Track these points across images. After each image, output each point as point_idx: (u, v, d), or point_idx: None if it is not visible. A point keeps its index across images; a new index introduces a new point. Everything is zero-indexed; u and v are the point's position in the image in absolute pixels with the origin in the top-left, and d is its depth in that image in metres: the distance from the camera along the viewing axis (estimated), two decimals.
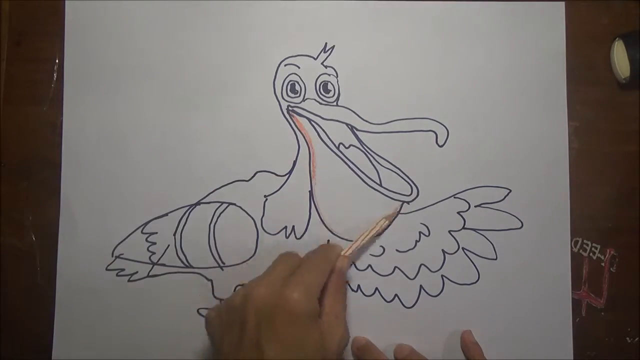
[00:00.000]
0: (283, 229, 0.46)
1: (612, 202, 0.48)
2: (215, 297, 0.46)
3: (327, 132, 0.47)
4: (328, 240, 0.47)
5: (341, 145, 0.47)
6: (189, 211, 0.46)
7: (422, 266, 0.47)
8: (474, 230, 0.47)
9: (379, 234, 0.46)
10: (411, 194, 0.47)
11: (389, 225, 0.46)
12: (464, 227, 0.47)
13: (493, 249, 0.47)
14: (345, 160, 0.47)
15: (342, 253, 0.44)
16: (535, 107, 0.47)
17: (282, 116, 0.47)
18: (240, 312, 0.38)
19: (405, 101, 0.47)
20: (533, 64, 0.47)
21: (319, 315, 0.39)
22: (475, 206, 0.47)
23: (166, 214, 0.46)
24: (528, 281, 0.47)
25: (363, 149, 0.47)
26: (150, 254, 0.46)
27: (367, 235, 0.45)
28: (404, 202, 0.47)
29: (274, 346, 0.36)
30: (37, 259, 0.47)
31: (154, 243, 0.46)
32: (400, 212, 0.47)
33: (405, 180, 0.47)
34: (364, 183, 0.47)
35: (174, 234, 0.46)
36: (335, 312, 0.40)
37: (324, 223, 0.47)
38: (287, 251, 0.43)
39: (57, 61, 0.47)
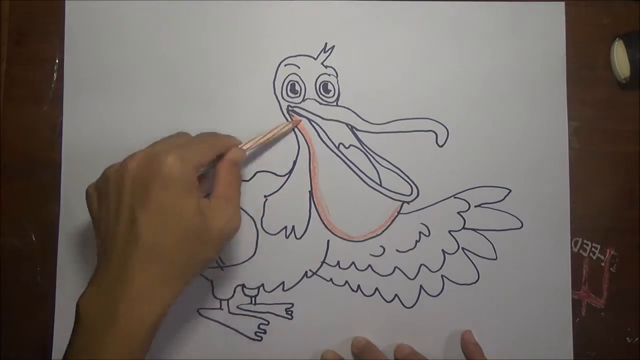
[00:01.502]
0: (283, 229, 0.46)
1: (612, 202, 0.48)
2: (215, 297, 0.46)
3: (327, 132, 0.47)
4: (328, 241, 0.46)
5: (341, 145, 0.47)
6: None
7: (422, 266, 0.47)
8: (474, 230, 0.47)
9: (278, 136, 0.46)
10: (411, 194, 0.47)
11: (291, 130, 0.46)
12: (464, 227, 0.47)
13: (493, 249, 0.47)
14: (345, 160, 0.47)
15: (243, 147, 0.43)
16: (535, 107, 0.47)
17: (282, 116, 0.47)
18: (115, 180, 0.37)
19: (405, 101, 0.47)
20: (533, 64, 0.47)
21: (203, 194, 0.38)
22: (475, 206, 0.47)
23: None
24: (528, 281, 0.47)
25: (363, 149, 0.47)
26: None
27: (268, 134, 0.45)
28: (404, 202, 0.47)
29: (147, 212, 0.35)
30: (37, 259, 0.47)
31: None
32: (401, 212, 0.47)
33: (405, 180, 0.47)
34: (364, 183, 0.47)
35: None
36: (225, 195, 0.39)
37: (324, 223, 0.47)
38: (180, 131, 0.42)
39: (57, 61, 0.47)
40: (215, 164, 0.41)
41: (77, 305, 0.36)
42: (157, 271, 0.35)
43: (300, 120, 0.46)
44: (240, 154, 0.42)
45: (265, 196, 0.46)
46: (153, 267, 0.35)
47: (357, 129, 0.47)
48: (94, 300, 0.35)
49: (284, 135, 0.46)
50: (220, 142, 0.41)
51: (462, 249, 0.47)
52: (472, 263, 0.47)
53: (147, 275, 0.35)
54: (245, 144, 0.43)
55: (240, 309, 0.47)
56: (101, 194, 0.38)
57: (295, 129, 0.47)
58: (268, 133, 0.45)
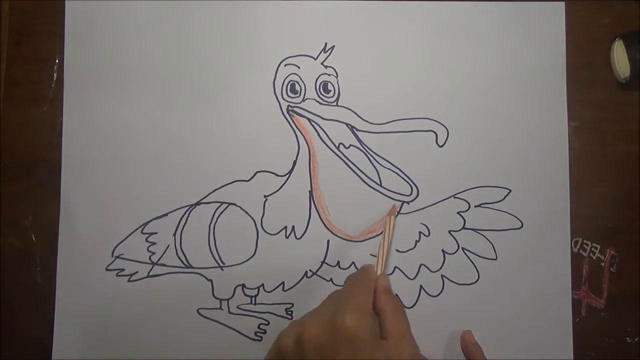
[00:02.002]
0: (283, 229, 0.46)
1: (612, 202, 0.48)
2: (215, 297, 0.46)
3: (327, 132, 0.47)
4: (328, 241, 0.46)
5: (341, 145, 0.47)
6: (189, 211, 0.46)
7: (422, 266, 0.47)
8: (474, 230, 0.47)
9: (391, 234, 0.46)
10: (411, 194, 0.47)
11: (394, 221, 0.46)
12: (464, 227, 0.47)
13: (493, 249, 0.47)
14: (345, 160, 0.47)
15: (378, 272, 0.43)
16: (535, 107, 0.47)
17: (282, 116, 0.47)
18: (297, 355, 0.35)
19: (405, 101, 0.47)
20: (533, 64, 0.47)
21: (382, 337, 0.37)
22: (475, 206, 0.47)
23: (166, 214, 0.46)
24: (528, 281, 0.47)
25: (363, 149, 0.47)
26: (150, 254, 0.46)
27: (386, 241, 0.45)
28: (404, 202, 0.47)
29: None
30: (37, 259, 0.47)
31: (154, 243, 0.46)
32: (401, 212, 0.47)
33: (405, 180, 0.47)
34: (364, 183, 0.47)
35: (174, 234, 0.46)
36: (400, 331, 0.38)
37: (324, 223, 0.47)
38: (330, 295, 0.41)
39: (57, 61, 0.47)
40: None
41: None
42: None
43: (397, 210, 0.46)
44: (387, 282, 0.41)
45: (265, 196, 0.47)
46: None
47: (357, 129, 0.47)
48: None
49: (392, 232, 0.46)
50: (368, 278, 0.41)
51: (462, 249, 0.47)
52: (472, 263, 0.47)
53: None
54: (379, 267, 0.43)
55: (240, 309, 0.47)
56: None
57: (295, 129, 0.47)
58: (384, 240, 0.45)
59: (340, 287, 0.46)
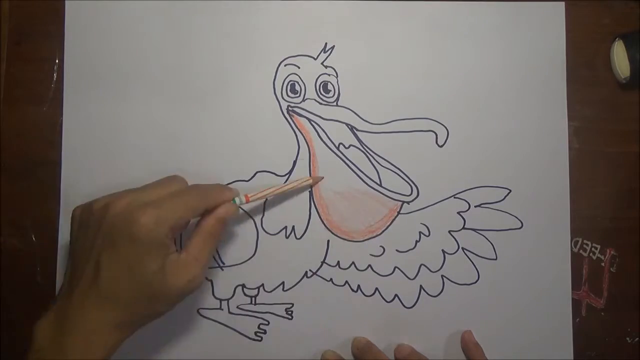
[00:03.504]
0: (283, 229, 0.46)
1: (612, 202, 0.48)
2: (215, 297, 0.46)
3: (327, 132, 0.47)
4: (328, 241, 0.46)
5: (341, 145, 0.47)
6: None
7: (422, 266, 0.47)
8: (474, 230, 0.47)
9: (292, 191, 0.46)
10: (411, 194, 0.47)
11: (308, 187, 0.46)
12: (464, 227, 0.47)
13: (493, 249, 0.47)
14: (345, 160, 0.47)
15: (239, 199, 0.41)
16: (535, 107, 0.47)
17: (282, 116, 0.47)
18: (97, 218, 0.38)
19: (405, 101, 0.47)
20: (533, 64, 0.47)
21: (177, 250, 0.38)
22: (475, 206, 0.47)
23: None
24: (528, 281, 0.47)
25: (363, 149, 0.47)
26: None
27: (279, 189, 0.44)
28: (404, 202, 0.47)
29: (111, 265, 0.36)
30: (37, 259, 0.47)
31: None
32: (401, 212, 0.47)
33: (405, 180, 0.47)
34: (364, 183, 0.47)
35: None
36: (196, 254, 0.39)
37: (324, 223, 0.47)
38: (174, 175, 0.42)
39: (57, 61, 0.47)
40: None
41: (34, 328, 0.37)
42: (110, 316, 0.37)
43: (322, 179, 0.46)
44: (230, 210, 0.41)
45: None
46: (107, 312, 0.37)
47: (357, 129, 0.47)
48: (48, 327, 0.37)
49: (299, 190, 0.46)
50: (209, 198, 0.40)
51: (462, 249, 0.47)
52: (472, 263, 0.47)
53: (101, 319, 0.36)
54: (254, 194, 0.43)
55: (240, 309, 0.47)
56: (82, 224, 0.39)
57: (295, 129, 0.47)
58: (283, 186, 0.45)
59: (340, 288, 0.46)
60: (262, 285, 0.47)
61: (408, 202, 0.47)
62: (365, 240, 0.47)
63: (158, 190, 0.39)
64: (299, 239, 0.47)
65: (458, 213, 0.47)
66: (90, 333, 0.36)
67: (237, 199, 0.41)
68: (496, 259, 0.47)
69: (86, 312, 0.36)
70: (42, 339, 0.37)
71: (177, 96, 0.47)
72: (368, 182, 0.47)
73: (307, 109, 0.47)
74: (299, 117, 0.47)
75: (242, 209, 0.46)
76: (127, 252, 0.36)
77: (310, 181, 0.46)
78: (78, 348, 0.36)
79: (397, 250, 0.47)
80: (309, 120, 0.47)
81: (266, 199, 0.46)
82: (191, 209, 0.39)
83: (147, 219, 0.36)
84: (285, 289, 0.47)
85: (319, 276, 0.47)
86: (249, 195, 0.42)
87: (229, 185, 0.46)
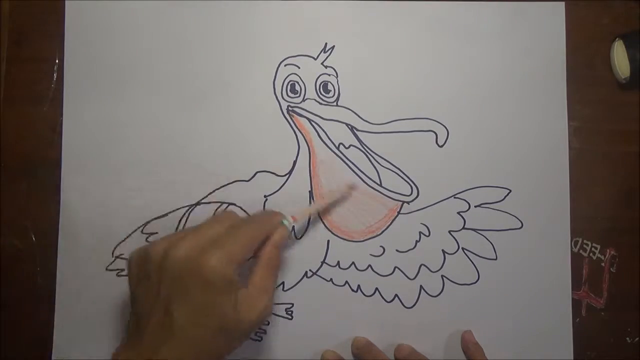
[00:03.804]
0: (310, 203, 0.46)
1: (612, 202, 0.48)
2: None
3: (327, 132, 0.47)
4: (328, 241, 0.46)
5: (341, 145, 0.47)
6: (189, 211, 0.46)
7: (422, 266, 0.47)
8: (474, 230, 0.47)
9: (333, 204, 0.46)
10: (411, 194, 0.47)
11: (345, 196, 0.46)
12: (464, 227, 0.47)
13: (493, 249, 0.47)
14: (345, 160, 0.47)
15: (287, 221, 0.41)
16: (535, 107, 0.47)
17: (282, 116, 0.47)
18: (156, 267, 0.37)
19: (405, 101, 0.47)
20: (533, 64, 0.47)
21: (243, 285, 0.38)
22: (475, 206, 0.47)
23: (166, 214, 0.46)
24: (528, 281, 0.47)
25: (363, 149, 0.47)
26: None
27: (323, 202, 0.45)
28: (404, 202, 0.47)
29: (183, 311, 0.36)
30: (37, 259, 0.47)
31: None
32: (401, 212, 0.47)
33: (405, 180, 0.47)
34: (364, 183, 0.47)
35: None
36: (262, 285, 0.39)
37: (323, 223, 0.47)
38: (228, 211, 0.41)
39: (57, 61, 0.47)
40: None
41: None
42: (187, 358, 0.36)
43: (356, 187, 0.46)
44: (283, 234, 0.41)
45: (265, 196, 0.46)
46: (184, 355, 0.36)
47: (357, 129, 0.47)
48: None
49: (338, 202, 0.46)
50: (264, 227, 0.40)
51: (462, 249, 0.47)
52: (472, 263, 0.47)
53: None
54: (300, 214, 0.42)
55: None
56: (142, 271, 0.38)
57: (295, 129, 0.47)
58: (326, 200, 0.45)
59: (340, 288, 0.46)
60: None
61: (408, 202, 0.47)
62: (365, 240, 0.47)
63: (214, 229, 0.38)
64: (299, 239, 0.47)
65: (458, 213, 0.47)
66: None
67: (286, 222, 0.41)
68: (496, 259, 0.47)
69: (162, 354, 0.36)
70: None
71: (177, 96, 0.47)
72: (368, 182, 0.47)
73: (307, 109, 0.47)
74: (299, 117, 0.47)
75: (242, 209, 0.46)
76: (200, 297, 0.36)
77: (348, 190, 0.46)
78: None
79: (397, 250, 0.47)
80: (309, 120, 0.47)
81: (266, 199, 0.46)
82: (252, 241, 0.39)
83: (215, 261, 0.36)
84: (285, 289, 0.47)
85: (319, 276, 0.47)
86: (295, 216, 0.42)
87: (227, 185, 0.46)
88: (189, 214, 0.46)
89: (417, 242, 0.47)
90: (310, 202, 0.46)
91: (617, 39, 0.47)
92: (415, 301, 0.47)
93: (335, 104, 0.47)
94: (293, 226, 0.42)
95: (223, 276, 0.36)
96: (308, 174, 0.47)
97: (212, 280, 0.36)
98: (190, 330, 0.36)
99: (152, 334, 0.36)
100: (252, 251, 0.39)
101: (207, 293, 0.36)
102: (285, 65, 0.47)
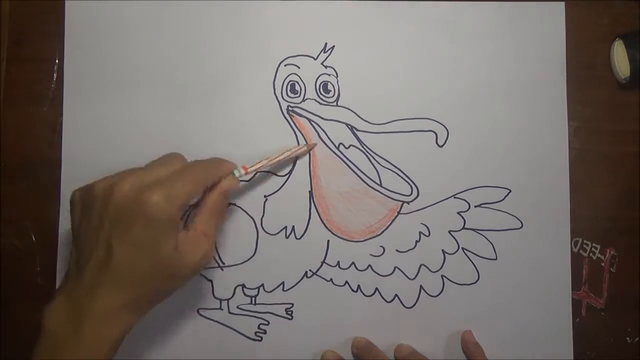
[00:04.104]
0: (283, 229, 0.46)
1: (612, 202, 0.48)
2: (215, 297, 0.46)
3: (327, 132, 0.47)
4: (328, 241, 0.46)
5: (341, 145, 0.47)
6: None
7: (422, 266, 0.47)
8: (474, 230, 0.47)
9: (287, 159, 0.45)
10: (411, 194, 0.47)
11: (306, 152, 0.46)
12: (464, 227, 0.47)
13: (493, 249, 0.47)
14: (345, 160, 0.47)
15: (238, 172, 0.42)
16: (535, 107, 0.47)
17: (282, 116, 0.47)
18: (100, 203, 0.37)
19: (405, 101, 0.47)
20: (533, 64, 0.47)
21: (185, 228, 0.38)
22: (475, 206, 0.47)
23: None
24: (528, 281, 0.47)
25: (363, 149, 0.47)
26: None
27: (277, 158, 0.44)
28: (404, 202, 0.47)
29: (123, 247, 0.36)
30: (37, 259, 0.47)
31: None
32: (401, 212, 0.47)
33: (405, 180, 0.47)
34: (364, 183, 0.47)
35: None
36: (204, 230, 0.39)
37: (324, 223, 0.47)
38: (173, 152, 0.41)
39: (57, 61, 0.47)
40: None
41: (43, 315, 0.37)
42: (125, 297, 0.37)
43: (315, 145, 0.46)
44: (231, 184, 0.41)
45: (265, 196, 0.46)
46: (121, 294, 0.36)
47: (357, 129, 0.47)
48: (61, 312, 0.37)
49: (293, 158, 0.46)
50: (212, 172, 0.40)
51: (462, 249, 0.47)
52: (472, 263, 0.47)
53: (115, 300, 0.36)
54: (251, 166, 0.43)
55: (240, 309, 0.47)
56: (85, 207, 0.38)
57: (295, 129, 0.47)
58: (279, 155, 0.44)
59: (340, 288, 0.46)
60: (262, 285, 0.47)
61: (408, 202, 0.47)
62: (365, 240, 0.47)
63: (162, 169, 0.39)
64: (299, 239, 0.47)
65: (458, 213, 0.47)
66: (104, 314, 0.36)
67: (236, 172, 0.41)
68: (496, 259, 0.47)
69: (99, 294, 0.36)
70: (54, 324, 0.36)
71: (177, 96, 0.47)
72: (368, 182, 0.47)
73: (307, 109, 0.47)
74: (299, 117, 0.47)
75: (242, 209, 0.46)
76: (140, 233, 0.36)
77: (305, 148, 0.46)
78: (93, 330, 0.36)
79: (397, 250, 0.47)
80: (309, 120, 0.47)
81: (266, 199, 0.46)
82: (198, 184, 0.39)
83: (158, 198, 0.36)
84: (285, 289, 0.47)
85: (319, 276, 0.47)
86: (247, 167, 0.42)
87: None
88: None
89: (417, 242, 0.47)
90: (310, 203, 0.46)
91: (617, 39, 0.47)
92: (415, 301, 0.47)
93: (335, 104, 0.47)
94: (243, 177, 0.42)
95: (165, 214, 0.36)
96: (308, 174, 0.47)
97: (153, 217, 0.36)
98: (128, 266, 0.36)
99: (91, 270, 0.37)
100: (198, 194, 0.39)
101: (147, 230, 0.36)
102: (285, 65, 0.47)
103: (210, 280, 0.46)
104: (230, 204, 0.46)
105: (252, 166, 0.43)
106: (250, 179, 0.47)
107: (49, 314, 0.37)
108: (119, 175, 0.38)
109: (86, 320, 0.36)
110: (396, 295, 0.47)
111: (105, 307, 0.36)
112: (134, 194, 0.37)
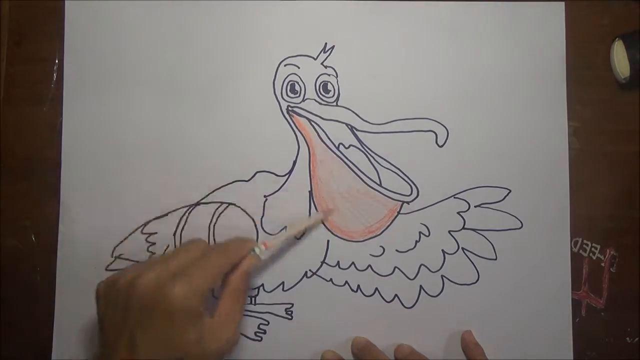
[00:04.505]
0: (283, 229, 0.46)
1: (612, 202, 0.48)
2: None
3: (327, 132, 0.47)
4: (328, 241, 0.46)
5: (341, 146, 0.47)
6: (188, 211, 0.46)
7: (422, 266, 0.47)
8: (474, 230, 0.47)
9: (308, 228, 0.46)
10: (411, 194, 0.47)
11: (319, 223, 0.46)
12: (464, 227, 0.47)
13: (493, 249, 0.47)
14: (345, 160, 0.47)
15: (259, 249, 0.41)
16: (535, 108, 0.47)
17: (282, 116, 0.47)
18: (123, 297, 0.37)
19: (405, 101, 0.47)
20: (533, 64, 0.47)
21: (209, 314, 0.38)
22: (475, 206, 0.47)
23: (166, 214, 0.46)
24: (528, 281, 0.47)
25: (363, 149, 0.47)
26: (150, 254, 0.46)
27: (294, 230, 0.44)
28: (403, 202, 0.47)
29: (146, 341, 0.36)
30: (37, 259, 0.47)
31: (154, 243, 0.46)
32: (401, 212, 0.47)
33: (405, 180, 0.47)
34: (364, 183, 0.47)
35: (174, 234, 0.46)
36: (227, 313, 0.39)
37: (324, 223, 0.47)
38: (195, 238, 0.41)
39: (57, 61, 0.47)
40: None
41: None
42: None
43: (332, 212, 0.46)
44: (252, 263, 0.41)
45: (265, 196, 0.47)
46: None
47: (357, 129, 0.47)
48: None
49: (311, 228, 0.46)
50: (232, 257, 0.40)
51: (462, 249, 0.47)
52: (472, 263, 0.47)
53: None
54: (271, 241, 0.43)
55: None
56: (109, 300, 0.38)
57: (295, 129, 0.47)
58: (298, 225, 0.45)
59: (340, 288, 0.46)
60: (262, 285, 0.47)
61: (408, 202, 0.47)
62: (365, 240, 0.47)
63: (181, 258, 0.38)
64: (298, 239, 0.47)
65: (458, 213, 0.47)
66: None
67: (257, 249, 0.41)
68: (496, 259, 0.47)
69: None
70: None
71: (177, 96, 0.47)
72: (368, 182, 0.47)
73: (307, 109, 0.47)
74: (298, 117, 0.47)
75: (242, 209, 0.46)
76: (163, 327, 0.36)
77: (321, 215, 0.46)
78: None
79: (397, 250, 0.47)
80: (309, 120, 0.47)
81: (266, 199, 0.46)
82: (219, 272, 0.39)
83: (178, 291, 0.36)
84: (285, 289, 0.47)
85: (319, 276, 0.47)
86: (267, 243, 0.42)
87: (227, 185, 0.46)
88: (189, 214, 0.46)
89: (417, 242, 0.47)
90: (310, 203, 0.46)
91: (617, 39, 0.47)
92: (415, 301, 0.47)
93: (335, 104, 0.47)
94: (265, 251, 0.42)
95: (187, 307, 0.36)
96: (308, 174, 0.47)
97: (175, 311, 0.36)
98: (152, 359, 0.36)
99: None
100: (219, 281, 0.39)
101: (170, 324, 0.36)
102: (285, 65, 0.47)
103: None
104: (230, 204, 0.46)
105: (271, 241, 0.43)
106: (250, 179, 0.47)
107: None
108: (141, 266, 0.38)
109: None
110: (396, 295, 0.47)
111: None
112: (155, 287, 0.37)
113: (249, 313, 0.47)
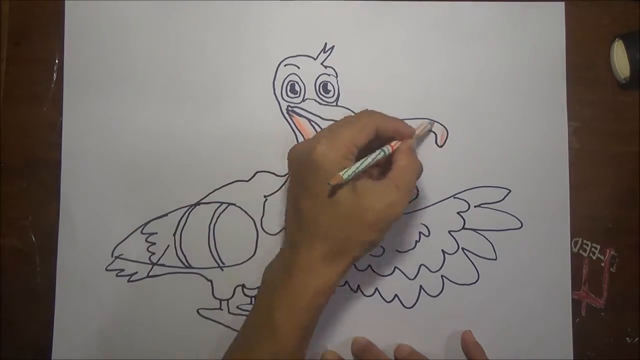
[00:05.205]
0: (283, 229, 0.46)
1: (612, 202, 0.48)
2: (215, 297, 0.46)
3: None
4: None
5: None
6: (188, 211, 0.46)
7: (422, 266, 0.47)
8: (474, 230, 0.47)
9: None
10: None
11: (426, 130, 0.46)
12: (463, 227, 0.47)
13: (493, 249, 0.47)
14: None
15: (418, 131, 0.43)
16: (535, 107, 0.47)
17: (282, 116, 0.47)
18: (289, 167, 0.42)
19: (404, 101, 0.47)
20: (533, 64, 0.47)
21: (387, 177, 0.39)
22: (475, 206, 0.47)
23: (166, 214, 0.46)
24: (528, 281, 0.47)
25: None
26: (150, 254, 0.46)
27: (424, 126, 0.45)
28: None
29: (306, 199, 0.39)
30: (37, 259, 0.47)
31: (154, 243, 0.46)
32: None
33: None
34: None
35: (174, 234, 0.46)
36: (397, 180, 0.39)
37: None
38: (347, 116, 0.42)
39: (57, 61, 0.47)
40: (383, 143, 0.41)
41: (263, 273, 0.42)
42: (319, 250, 0.38)
43: (434, 123, 0.47)
44: (414, 142, 0.42)
45: (265, 196, 0.47)
46: (315, 247, 0.38)
47: None
48: (274, 269, 0.41)
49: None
50: (374, 122, 0.40)
51: (462, 249, 0.47)
52: (472, 263, 0.47)
53: (311, 254, 0.38)
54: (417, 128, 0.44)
55: (240, 309, 0.47)
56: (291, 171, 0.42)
57: (295, 129, 0.47)
58: (422, 127, 0.45)
59: (340, 288, 0.46)
60: None
61: (408, 202, 0.47)
62: None
63: (328, 127, 0.40)
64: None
65: (458, 213, 0.47)
66: (305, 269, 0.38)
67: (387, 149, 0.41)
68: (496, 259, 0.47)
69: (297, 252, 0.39)
70: (269, 276, 0.41)
71: (177, 96, 0.47)
72: None
73: (307, 109, 0.47)
74: (298, 117, 0.47)
75: (242, 209, 0.46)
76: (314, 185, 0.38)
77: (429, 126, 0.46)
78: (298, 282, 0.38)
79: (397, 250, 0.47)
80: (309, 120, 0.47)
81: (266, 199, 0.46)
82: (363, 128, 0.39)
83: (321, 148, 0.38)
84: None
85: None
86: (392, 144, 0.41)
87: (227, 185, 0.46)
88: (188, 214, 0.46)
89: (417, 242, 0.47)
90: None
91: (617, 39, 0.47)
92: (415, 301, 0.47)
93: (335, 104, 0.47)
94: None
95: (329, 162, 0.38)
96: None
97: (319, 166, 0.37)
98: (313, 220, 0.38)
99: (291, 230, 0.41)
100: (364, 139, 0.39)
101: (318, 179, 0.38)
102: (285, 66, 0.47)
103: (210, 281, 0.46)
104: (230, 203, 0.46)
105: (417, 129, 0.44)
106: (249, 179, 0.47)
107: (266, 271, 0.42)
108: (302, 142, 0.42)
109: (291, 273, 0.39)
110: (396, 295, 0.47)
111: (303, 262, 0.38)
112: (304, 151, 0.39)
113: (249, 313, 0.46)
